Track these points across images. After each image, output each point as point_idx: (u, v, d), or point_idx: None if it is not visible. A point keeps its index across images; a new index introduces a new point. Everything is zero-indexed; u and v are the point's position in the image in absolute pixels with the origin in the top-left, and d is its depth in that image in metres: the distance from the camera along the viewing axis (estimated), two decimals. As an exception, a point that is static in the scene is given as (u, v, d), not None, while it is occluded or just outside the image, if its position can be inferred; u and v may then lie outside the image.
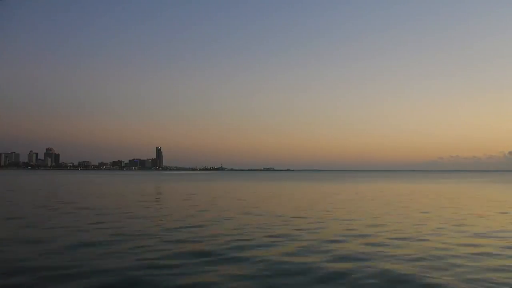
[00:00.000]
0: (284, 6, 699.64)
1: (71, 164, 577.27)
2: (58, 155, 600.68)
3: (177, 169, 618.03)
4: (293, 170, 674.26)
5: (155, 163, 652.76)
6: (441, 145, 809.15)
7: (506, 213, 27.05)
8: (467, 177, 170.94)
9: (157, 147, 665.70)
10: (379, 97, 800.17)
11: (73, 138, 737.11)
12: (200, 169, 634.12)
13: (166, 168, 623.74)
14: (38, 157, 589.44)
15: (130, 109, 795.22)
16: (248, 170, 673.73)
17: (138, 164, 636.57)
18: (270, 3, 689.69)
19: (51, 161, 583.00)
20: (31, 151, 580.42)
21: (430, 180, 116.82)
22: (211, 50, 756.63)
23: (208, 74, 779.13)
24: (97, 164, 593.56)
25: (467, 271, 11.28)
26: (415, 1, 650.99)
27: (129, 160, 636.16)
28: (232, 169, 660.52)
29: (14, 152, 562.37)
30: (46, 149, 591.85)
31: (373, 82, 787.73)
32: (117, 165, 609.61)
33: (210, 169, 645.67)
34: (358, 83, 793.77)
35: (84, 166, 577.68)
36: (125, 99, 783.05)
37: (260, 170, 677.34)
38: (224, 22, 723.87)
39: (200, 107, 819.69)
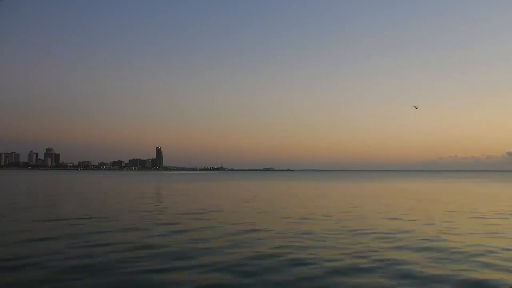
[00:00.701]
0: (284, 6, 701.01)
1: (71, 164, 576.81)
2: (58, 155, 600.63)
3: (177, 169, 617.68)
4: (293, 170, 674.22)
5: (155, 163, 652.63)
6: (440, 145, 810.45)
7: None
8: (473, 177, 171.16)
9: (157, 147, 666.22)
10: (379, 97, 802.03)
11: (73, 138, 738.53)
12: (200, 169, 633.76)
13: (166, 168, 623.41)
14: (38, 157, 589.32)
15: (130, 109, 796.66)
16: (248, 170, 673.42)
17: (138, 164, 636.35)
18: (270, 3, 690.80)
19: (51, 161, 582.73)
20: (31, 151, 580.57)
21: (456, 180, 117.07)
22: (211, 50, 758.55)
23: (208, 74, 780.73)
24: (97, 164, 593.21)
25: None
26: (419, 1, 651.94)
27: (129, 160, 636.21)
28: (232, 169, 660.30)
29: (14, 152, 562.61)
30: (46, 149, 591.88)
31: (374, 83, 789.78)
32: (117, 165, 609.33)
33: (210, 169, 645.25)
34: (359, 83, 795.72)
35: (84, 166, 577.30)
36: (125, 99, 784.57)
37: (260, 170, 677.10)
38: (224, 22, 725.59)
39: (200, 107, 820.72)
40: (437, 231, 18.14)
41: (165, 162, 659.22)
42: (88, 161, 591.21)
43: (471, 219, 22.99)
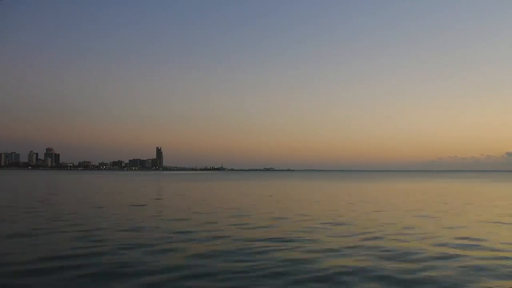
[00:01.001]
0: (284, 6, 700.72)
1: (71, 164, 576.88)
2: (58, 155, 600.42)
3: (177, 169, 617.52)
4: (293, 170, 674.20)
5: (155, 163, 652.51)
6: (440, 146, 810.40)
7: None
8: (473, 177, 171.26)
9: (157, 147, 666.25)
10: (379, 97, 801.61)
11: (73, 138, 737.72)
12: (200, 169, 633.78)
13: (166, 168, 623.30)
14: (38, 157, 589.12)
15: (130, 109, 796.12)
16: (248, 170, 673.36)
17: (138, 164, 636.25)
18: (270, 3, 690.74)
19: (51, 161, 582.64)
20: (31, 151, 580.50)
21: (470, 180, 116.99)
22: (211, 50, 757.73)
23: (208, 74, 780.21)
24: (97, 164, 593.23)
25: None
26: (418, 1, 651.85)
27: (129, 160, 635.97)
28: (232, 169, 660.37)
29: (14, 152, 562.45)
30: (46, 149, 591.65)
31: (374, 83, 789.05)
32: (117, 165, 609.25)
33: (210, 169, 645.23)
34: (359, 83, 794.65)
35: (84, 166, 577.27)
36: (125, 99, 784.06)
37: (261, 170, 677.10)
38: (224, 22, 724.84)
39: (200, 107, 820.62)
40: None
41: (165, 162, 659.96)
42: (88, 161, 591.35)
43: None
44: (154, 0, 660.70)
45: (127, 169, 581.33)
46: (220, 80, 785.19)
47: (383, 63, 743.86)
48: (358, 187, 66.09)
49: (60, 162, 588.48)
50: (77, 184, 69.30)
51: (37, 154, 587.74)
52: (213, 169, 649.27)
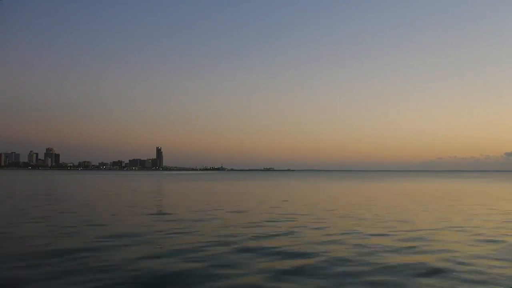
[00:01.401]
0: (284, 7, 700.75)
1: (71, 164, 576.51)
2: (58, 155, 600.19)
3: (177, 169, 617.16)
4: (293, 170, 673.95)
5: (155, 163, 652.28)
6: (440, 146, 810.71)
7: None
8: (473, 177, 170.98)
9: (157, 147, 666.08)
10: (379, 97, 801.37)
11: (73, 138, 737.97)
12: (200, 169, 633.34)
13: (166, 168, 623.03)
14: (38, 157, 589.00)
15: (130, 109, 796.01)
16: (248, 170, 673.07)
17: (138, 164, 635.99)
18: (270, 3, 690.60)
19: (51, 161, 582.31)
20: (31, 151, 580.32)
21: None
22: (211, 50, 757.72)
23: (208, 74, 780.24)
24: (97, 164, 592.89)
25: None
26: (419, 1, 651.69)
27: (130, 160, 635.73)
28: (232, 169, 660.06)
29: (14, 152, 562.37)
30: (46, 149, 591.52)
31: (374, 83, 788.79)
32: (117, 165, 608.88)
33: (210, 169, 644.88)
34: (359, 84, 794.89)
35: (84, 166, 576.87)
36: (125, 99, 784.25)
37: (261, 170, 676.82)
38: (224, 22, 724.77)
39: (200, 107, 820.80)
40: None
41: (165, 162, 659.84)
42: (88, 161, 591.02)
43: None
44: (154, 0, 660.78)
45: (127, 169, 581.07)
46: (220, 80, 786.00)
47: (383, 63, 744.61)
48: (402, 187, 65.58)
49: (60, 162, 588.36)
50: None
51: (37, 154, 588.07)
52: (213, 169, 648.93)
